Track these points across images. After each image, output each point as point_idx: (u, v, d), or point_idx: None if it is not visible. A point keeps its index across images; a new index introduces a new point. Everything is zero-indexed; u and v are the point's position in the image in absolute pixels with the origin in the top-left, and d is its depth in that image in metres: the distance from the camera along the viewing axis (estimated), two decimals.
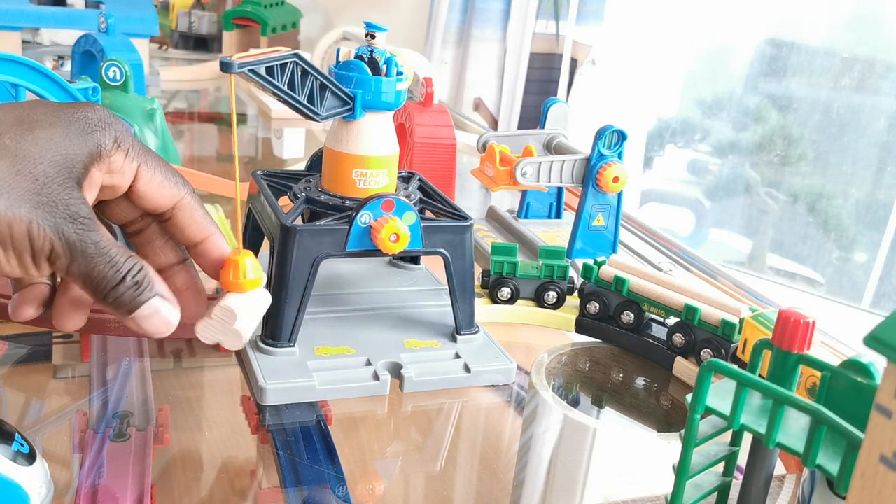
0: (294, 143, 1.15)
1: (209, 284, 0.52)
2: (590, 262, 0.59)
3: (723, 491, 0.38)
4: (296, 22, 1.61)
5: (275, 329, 0.49)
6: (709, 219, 2.08)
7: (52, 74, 0.57)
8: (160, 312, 0.35)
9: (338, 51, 0.53)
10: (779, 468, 0.45)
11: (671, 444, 0.49)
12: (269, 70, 0.45)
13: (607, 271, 0.58)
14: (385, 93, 0.51)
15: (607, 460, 0.48)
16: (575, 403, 0.52)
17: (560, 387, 0.54)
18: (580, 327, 0.60)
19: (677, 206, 2.13)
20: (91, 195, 0.35)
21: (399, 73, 0.52)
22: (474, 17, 1.82)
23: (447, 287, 0.53)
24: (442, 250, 0.52)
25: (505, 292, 0.60)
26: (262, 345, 0.50)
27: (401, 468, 0.45)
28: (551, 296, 0.60)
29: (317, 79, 0.48)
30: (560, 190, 0.80)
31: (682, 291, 0.55)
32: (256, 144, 1.17)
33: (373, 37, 0.52)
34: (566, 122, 0.78)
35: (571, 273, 0.61)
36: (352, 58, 0.52)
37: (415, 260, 0.65)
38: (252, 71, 0.44)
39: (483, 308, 0.59)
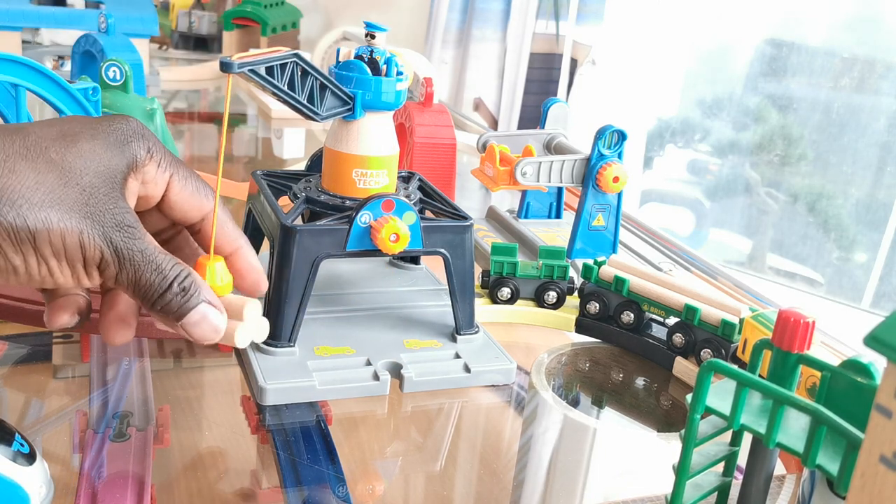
0: (294, 143, 1.15)
1: None
2: (590, 262, 0.59)
3: (723, 491, 0.38)
4: (296, 22, 1.61)
5: (275, 329, 0.49)
6: (709, 219, 2.09)
7: (52, 74, 0.57)
8: (208, 318, 0.36)
9: (338, 51, 0.53)
10: (779, 468, 0.45)
11: (671, 444, 0.49)
12: (269, 70, 0.45)
13: (607, 271, 0.58)
14: (385, 93, 0.51)
15: (607, 460, 0.48)
16: (575, 403, 0.52)
17: (560, 387, 0.54)
18: (580, 327, 0.60)
19: (677, 206, 2.13)
20: (130, 205, 0.36)
21: (399, 73, 0.52)
22: (474, 17, 1.82)
23: (447, 287, 0.53)
24: (442, 250, 0.52)
25: (505, 292, 0.60)
26: (262, 345, 0.50)
27: (401, 468, 0.45)
28: (551, 296, 0.60)
29: (317, 79, 0.48)
30: (560, 190, 0.80)
31: (682, 291, 0.55)
32: (256, 144, 1.17)
33: (373, 37, 0.52)
34: (566, 122, 0.78)
35: (571, 273, 0.61)
36: (352, 58, 0.52)
37: (415, 260, 0.65)
38: (252, 71, 0.44)
39: (483, 308, 0.59)
